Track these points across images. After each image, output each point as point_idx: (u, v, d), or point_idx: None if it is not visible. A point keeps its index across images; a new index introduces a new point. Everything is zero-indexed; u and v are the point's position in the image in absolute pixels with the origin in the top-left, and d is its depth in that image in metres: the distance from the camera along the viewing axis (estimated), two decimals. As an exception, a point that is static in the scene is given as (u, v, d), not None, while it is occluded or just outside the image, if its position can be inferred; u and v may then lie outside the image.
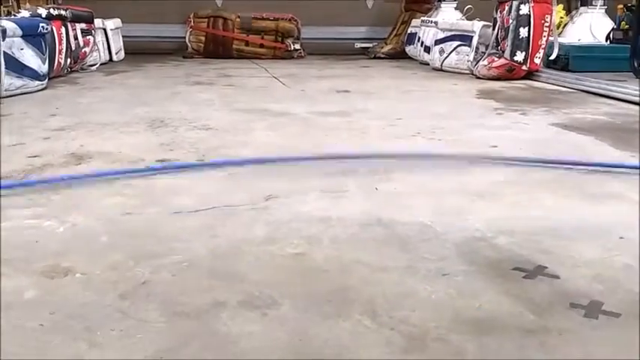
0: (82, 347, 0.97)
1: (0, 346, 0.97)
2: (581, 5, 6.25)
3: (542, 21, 4.74)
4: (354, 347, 0.98)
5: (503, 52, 4.84)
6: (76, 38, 4.83)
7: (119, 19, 6.15)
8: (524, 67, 4.80)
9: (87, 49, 5.11)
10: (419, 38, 6.20)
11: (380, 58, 6.86)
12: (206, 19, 6.83)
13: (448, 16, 6.31)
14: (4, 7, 4.63)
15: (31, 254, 1.35)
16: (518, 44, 4.76)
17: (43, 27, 3.98)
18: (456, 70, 5.29)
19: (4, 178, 1.92)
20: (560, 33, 5.83)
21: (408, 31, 6.72)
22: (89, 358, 0.95)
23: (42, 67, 3.93)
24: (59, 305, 1.11)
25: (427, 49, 5.88)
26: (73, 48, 4.76)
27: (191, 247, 1.40)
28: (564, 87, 4.39)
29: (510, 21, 4.79)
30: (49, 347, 0.97)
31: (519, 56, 4.76)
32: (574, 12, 6.44)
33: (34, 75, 3.85)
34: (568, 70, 4.74)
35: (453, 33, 5.45)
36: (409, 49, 6.62)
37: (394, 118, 3.10)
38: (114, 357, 0.95)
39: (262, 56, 6.65)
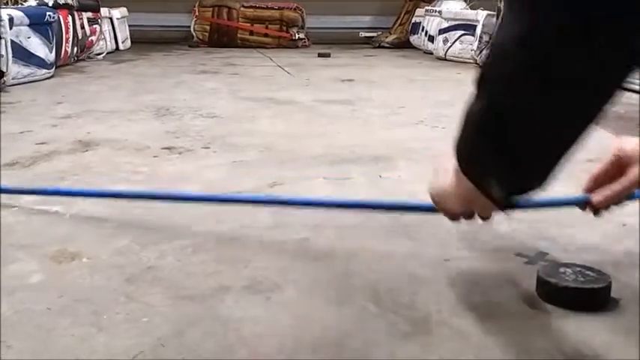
0: (88, 330, 0.99)
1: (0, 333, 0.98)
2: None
3: (547, 10, 4.73)
4: (358, 331, 1.00)
5: (508, 41, 4.82)
6: (82, 27, 4.84)
7: (125, 9, 6.15)
8: (528, 57, 4.78)
9: (93, 38, 5.12)
10: (423, 28, 6.19)
11: (384, 47, 6.86)
12: (210, 9, 6.84)
13: (452, 5, 6.30)
14: (11, -5, 4.64)
15: (39, 239, 1.36)
16: (523, 33, 4.74)
17: (49, 15, 3.99)
18: (460, 60, 5.29)
19: (12, 165, 1.95)
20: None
21: (412, 21, 6.72)
22: (95, 341, 0.96)
23: (49, 56, 3.95)
24: (66, 289, 1.13)
25: (431, 39, 5.88)
26: (80, 37, 4.78)
27: (196, 232, 1.41)
28: (569, 76, 4.38)
29: (515, 10, 4.77)
30: (56, 330, 0.99)
31: (524, 45, 4.75)
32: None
33: (41, 63, 3.86)
34: (573, 60, 4.72)
35: (457, 22, 5.45)
36: (413, 39, 6.62)
37: (398, 106, 3.11)
38: (120, 340, 0.96)
39: (267, 45, 6.65)
